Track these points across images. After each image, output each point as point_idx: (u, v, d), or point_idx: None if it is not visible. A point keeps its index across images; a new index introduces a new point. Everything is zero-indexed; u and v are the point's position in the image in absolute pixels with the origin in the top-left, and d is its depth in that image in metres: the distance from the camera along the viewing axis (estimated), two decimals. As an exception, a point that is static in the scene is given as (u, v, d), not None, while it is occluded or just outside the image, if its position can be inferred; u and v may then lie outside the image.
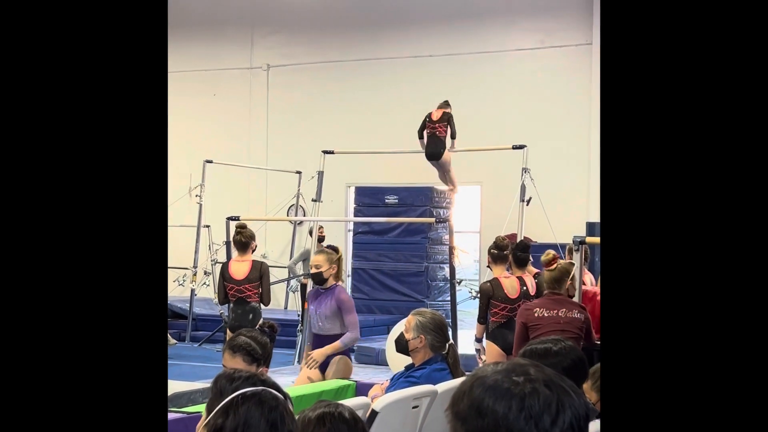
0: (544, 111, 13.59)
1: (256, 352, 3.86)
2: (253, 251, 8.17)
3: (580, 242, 6.63)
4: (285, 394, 2.27)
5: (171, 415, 4.16)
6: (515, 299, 7.03)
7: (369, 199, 13.97)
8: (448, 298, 10.56)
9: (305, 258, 11.47)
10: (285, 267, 12.51)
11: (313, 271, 6.33)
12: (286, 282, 11.88)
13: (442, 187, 12.63)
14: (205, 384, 6.27)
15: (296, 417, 2.37)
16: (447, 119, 10.88)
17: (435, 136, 10.97)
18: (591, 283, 7.79)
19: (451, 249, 9.89)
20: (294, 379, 8.67)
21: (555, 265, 5.98)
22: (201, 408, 2.59)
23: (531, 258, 7.45)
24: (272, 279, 8.55)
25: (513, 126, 13.33)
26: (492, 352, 6.95)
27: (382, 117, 14.47)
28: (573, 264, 6.28)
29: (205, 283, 12.74)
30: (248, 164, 14.60)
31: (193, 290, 12.76)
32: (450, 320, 9.19)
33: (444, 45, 14.31)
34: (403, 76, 14.17)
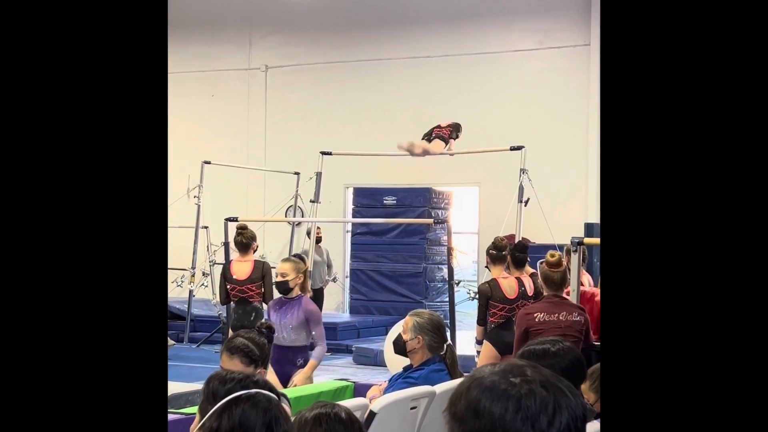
0: (543, 112, 13.60)
1: (253, 354, 3.86)
2: (255, 252, 8.18)
3: (578, 243, 6.62)
4: (279, 395, 2.28)
5: (169, 416, 4.15)
6: (513, 300, 7.03)
7: (367, 200, 13.98)
8: (447, 299, 10.55)
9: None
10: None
11: (279, 279, 6.08)
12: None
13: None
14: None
15: (293, 418, 2.37)
16: (455, 127, 10.80)
17: (437, 133, 10.86)
18: (589, 283, 7.79)
19: (450, 250, 9.88)
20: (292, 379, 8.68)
21: (561, 267, 5.96)
22: (199, 409, 2.59)
23: (528, 258, 7.45)
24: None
25: (511, 127, 13.34)
26: (487, 353, 6.94)
27: (381, 118, 14.47)
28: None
29: (203, 284, 12.73)
30: (246, 165, 14.60)
31: (191, 291, 12.75)
32: (448, 321, 9.19)
33: (442, 46, 14.32)
34: (401, 77, 14.17)
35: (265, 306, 8.09)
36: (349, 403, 4.05)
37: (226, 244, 9.84)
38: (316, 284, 11.33)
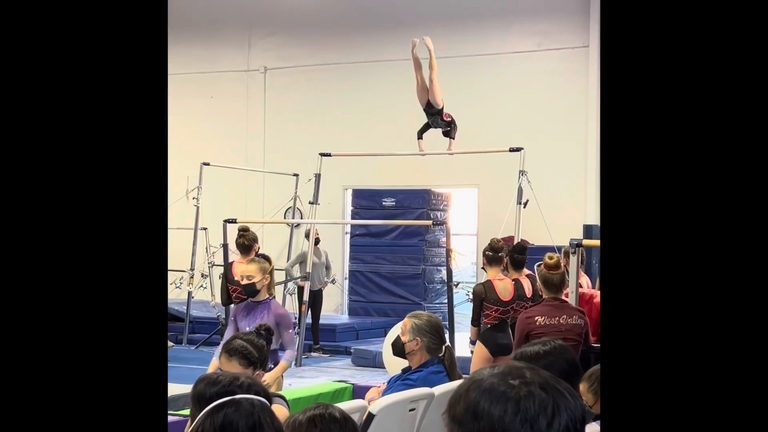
0: (541, 113, 13.60)
1: (252, 356, 3.86)
2: (256, 253, 8.19)
3: (577, 245, 6.62)
4: (270, 398, 2.29)
5: (168, 418, 4.15)
6: (508, 302, 7.04)
7: (366, 201, 13.98)
8: (446, 301, 10.56)
9: (302, 261, 11.47)
10: (282, 269, 12.51)
11: (245, 282, 5.81)
12: (283, 284, 11.87)
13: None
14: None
15: (289, 420, 2.38)
16: (451, 118, 10.74)
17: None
18: (587, 285, 7.79)
19: (448, 251, 9.89)
20: (291, 381, 8.69)
21: (560, 269, 5.96)
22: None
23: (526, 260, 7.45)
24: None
25: (510, 128, 13.35)
26: (480, 354, 6.95)
27: (380, 119, 14.48)
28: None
29: (202, 286, 12.73)
30: (245, 167, 14.61)
31: (190, 293, 12.75)
32: (447, 323, 9.19)
33: (441, 47, 14.27)
34: (400, 78, 14.15)
35: None
36: (347, 404, 4.05)
37: (224, 246, 9.85)
38: (314, 286, 11.33)
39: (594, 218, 12.95)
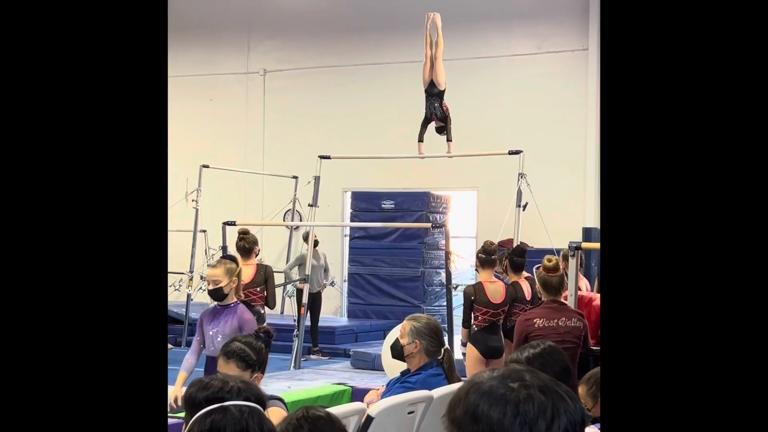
0: (541, 116, 13.61)
1: (250, 358, 3.85)
2: (257, 255, 8.20)
3: (576, 248, 6.62)
4: (264, 402, 2.30)
5: (168, 420, 4.15)
6: (498, 304, 7.05)
7: (365, 204, 13.98)
8: (444, 303, 10.56)
9: (301, 263, 11.47)
10: (281, 272, 12.51)
11: (211, 287, 5.48)
12: (282, 287, 11.87)
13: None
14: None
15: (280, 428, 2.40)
16: (448, 110, 10.66)
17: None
18: (586, 288, 7.79)
19: (448, 254, 9.89)
20: (290, 384, 8.69)
21: (559, 272, 5.96)
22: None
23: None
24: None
25: (509, 131, 13.35)
26: (471, 355, 6.96)
27: (379, 122, 14.48)
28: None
29: (201, 288, 12.72)
30: (245, 169, 14.61)
31: (189, 295, 12.74)
32: (446, 325, 9.19)
33: (441, 50, 14.31)
34: (399, 81, 14.17)
35: (268, 310, 8.11)
36: (346, 407, 4.05)
37: (224, 248, 9.84)
38: (313, 288, 11.32)
39: (593, 221, 12.95)
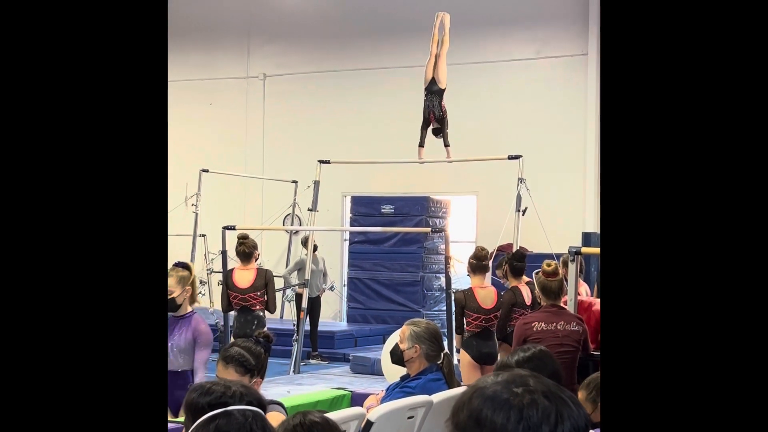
0: (540, 121, 13.62)
1: (249, 363, 3.83)
2: (257, 260, 8.21)
3: (576, 252, 6.62)
4: (264, 406, 2.29)
5: (167, 425, 4.14)
6: (489, 310, 7.05)
7: (365, 208, 13.98)
8: (444, 308, 10.54)
9: (300, 267, 11.46)
10: (280, 276, 12.51)
11: None
12: (282, 291, 11.87)
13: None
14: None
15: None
16: (445, 110, 10.61)
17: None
18: (586, 293, 7.79)
19: (447, 259, 9.88)
20: (290, 388, 8.67)
21: (558, 277, 5.97)
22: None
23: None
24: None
25: (509, 136, 13.36)
26: (464, 361, 6.96)
27: (379, 126, 14.49)
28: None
29: (200, 293, 12.71)
30: (244, 173, 14.61)
31: (188, 299, 12.71)
32: (446, 330, 9.18)
33: (440, 55, 14.33)
34: (399, 85, 14.19)
35: (269, 314, 8.10)
36: (345, 412, 4.05)
37: (223, 253, 9.84)
38: (313, 293, 11.32)
39: (592, 226, 12.95)
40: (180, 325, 5.14)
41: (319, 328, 11.75)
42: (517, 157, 10.07)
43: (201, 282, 12.70)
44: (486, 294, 7.14)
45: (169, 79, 2.25)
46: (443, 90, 9.83)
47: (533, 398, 1.44)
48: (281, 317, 13.61)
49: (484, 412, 1.45)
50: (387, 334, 10.96)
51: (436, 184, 13.91)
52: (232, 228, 9.67)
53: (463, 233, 14.35)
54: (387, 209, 13.75)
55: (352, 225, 14.01)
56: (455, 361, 7.69)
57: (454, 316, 7.28)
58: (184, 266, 5.36)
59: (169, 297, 5.06)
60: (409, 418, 4.14)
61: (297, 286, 11.34)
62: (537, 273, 6.13)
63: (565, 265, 6.97)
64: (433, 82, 9.86)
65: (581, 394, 4.00)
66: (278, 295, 12.33)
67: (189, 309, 5.22)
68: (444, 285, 10.55)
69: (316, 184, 11.15)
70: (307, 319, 11.14)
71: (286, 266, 12.92)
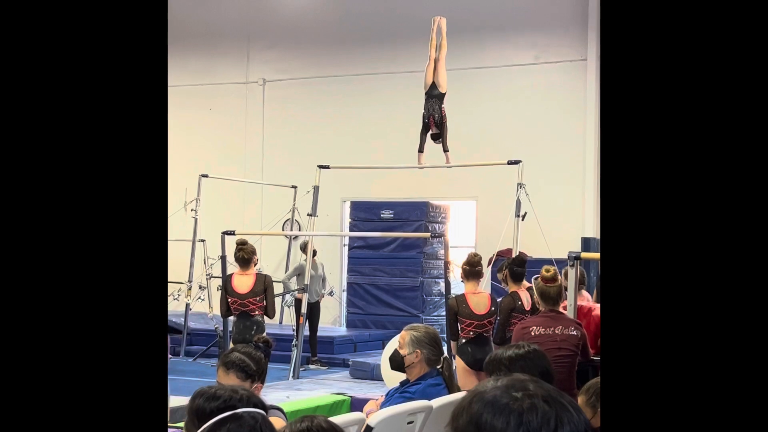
0: (539, 126, 13.63)
1: (249, 369, 3.83)
2: (255, 264, 8.21)
3: (576, 258, 6.62)
4: (267, 410, 2.29)
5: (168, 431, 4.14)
6: (482, 316, 7.05)
7: (364, 213, 13.97)
8: (443, 313, 10.54)
9: (299, 273, 11.46)
10: (279, 282, 12.50)
11: None
12: (281, 297, 11.86)
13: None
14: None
15: None
16: (445, 115, 10.59)
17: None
18: (587, 299, 7.79)
19: (447, 264, 9.88)
20: (289, 394, 8.67)
21: (557, 282, 5.97)
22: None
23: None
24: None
25: (508, 141, 13.37)
26: (459, 367, 6.96)
27: (378, 132, 14.49)
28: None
29: (200, 298, 12.71)
30: (244, 179, 14.61)
31: (187, 305, 12.73)
32: (445, 335, 9.18)
33: (440, 60, 14.34)
34: (398, 91, 14.20)
35: (268, 319, 8.10)
36: (345, 417, 4.04)
37: (223, 258, 9.84)
38: (312, 298, 11.32)
39: (592, 231, 12.95)
40: None
41: (319, 334, 11.74)
42: (516, 163, 10.08)
43: (200, 287, 12.70)
44: (479, 300, 7.15)
45: (169, 84, 2.25)
46: (444, 94, 9.83)
47: (533, 403, 1.44)
48: (280, 322, 13.60)
49: (484, 416, 1.45)
50: (386, 339, 10.95)
51: (436, 190, 13.92)
52: (232, 233, 9.67)
53: (463, 238, 14.35)
54: (386, 214, 13.75)
55: (351, 230, 14.01)
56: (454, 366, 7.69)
57: (447, 323, 7.28)
58: None
59: None
60: (408, 423, 4.13)
61: (296, 292, 11.34)
62: (536, 278, 6.14)
63: (567, 277, 6.96)
64: (433, 86, 9.87)
65: (581, 399, 4.00)
66: (278, 301, 12.36)
67: None
68: (443, 290, 10.55)
69: (316, 189, 11.15)
70: (307, 324, 11.14)
71: (286, 271, 12.92)
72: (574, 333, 5.79)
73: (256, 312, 7.99)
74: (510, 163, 10.22)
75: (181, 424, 4.54)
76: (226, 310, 8.20)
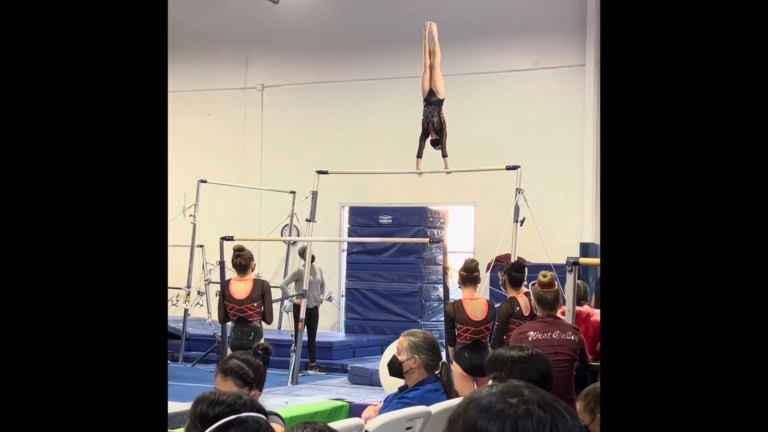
0: (538, 132, 13.65)
1: (248, 376, 3.82)
2: (253, 270, 8.21)
3: (574, 263, 6.62)
4: (267, 416, 2.29)
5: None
6: (480, 322, 7.05)
7: (363, 219, 13.98)
8: (442, 319, 10.54)
9: (298, 278, 11.46)
10: (277, 287, 12.50)
11: None
12: (279, 302, 11.86)
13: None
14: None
15: None
16: (444, 122, 10.60)
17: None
18: (586, 305, 7.78)
19: (445, 269, 9.88)
20: (288, 399, 8.66)
21: (554, 287, 5.98)
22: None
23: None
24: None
25: (507, 146, 13.38)
26: (456, 373, 6.95)
27: (377, 137, 14.50)
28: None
29: (198, 303, 12.70)
30: (242, 184, 14.61)
31: (186, 310, 12.72)
32: (443, 341, 9.18)
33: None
34: (397, 96, 14.22)
35: (265, 324, 8.10)
36: (344, 423, 4.04)
37: (221, 263, 9.84)
38: (310, 303, 11.31)
39: (590, 236, 12.96)
40: None
41: (317, 339, 11.74)
42: (515, 168, 10.09)
43: (199, 293, 12.70)
44: (476, 306, 7.15)
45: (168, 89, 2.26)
46: (442, 100, 9.84)
47: (528, 408, 1.45)
48: (279, 328, 13.60)
49: (480, 422, 1.45)
50: (385, 345, 10.95)
51: (434, 195, 13.92)
52: (230, 238, 9.67)
53: (461, 244, 14.35)
54: (385, 220, 13.76)
55: (350, 235, 14.01)
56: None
57: (445, 329, 7.28)
58: None
59: None
60: (407, 429, 4.13)
61: (294, 297, 11.34)
62: (533, 284, 6.14)
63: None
64: (431, 93, 9.88)
65: (579, 405, 4.00)
66: (276, 306, 12.36)
67: None
68: (442, 295, 10.54)
69: (314, 194, 11.16)
70: (305, 329, 11.13)
71: (284, 277, 12.92)
72: (572, 338, 5.79)
73: (254, 318, 7.98)
74: (508, 168, 10.23)
75: (180, 430, 4.53)
76: (224, 316, 8.20)
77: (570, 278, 6.53)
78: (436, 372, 4.52)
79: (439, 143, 9.83)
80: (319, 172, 11.27)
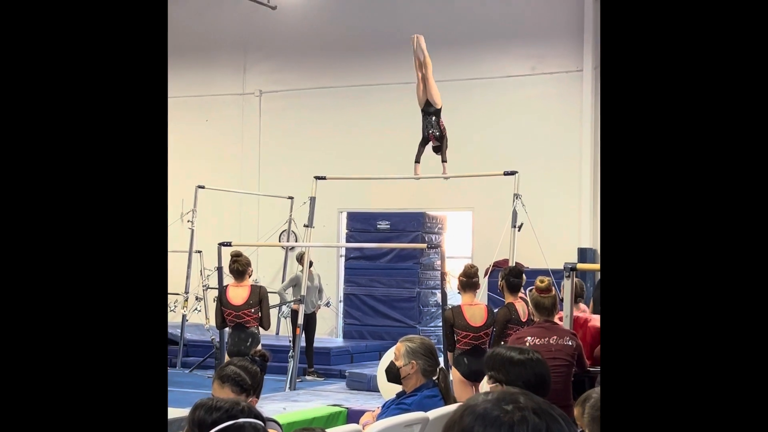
0: (535, 137, 13.66)
1: (245, 382, 3.81)
2: (250, 276, 8.21)
3: (572, 268, 6.63)
4: (265, 422, 2.29)
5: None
6: (479, 327, 7.05)
7: (361, 224, 13.98)
8: (440, 324, 10.54)
9: (296, 284, 11.46)
10: (275, 293, 12.50)
11: None
12: (277, 308, 11.86)
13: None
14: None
15: None
16: (444, 129, 10.62)
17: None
18: (584, 310, 7.79)
19: (443, 275, 9.89)
20: (285, 405, 8.66)
21: (551, 293, 5.99)
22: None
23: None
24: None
25: (505, 152, 13.39)
26: (454, 378, 6.96)
27: (374, 142, 14.51)
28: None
29: (196, 309, 12.70)
30: (240, 190, 14.62)
31: (184, 316, 12.71)
32: (441, 346, 9.18)
33: (436, 71, 14.31)
34: (395, 102, 14.23)
35: (263, 330, 8.10)
36: (341, 429, 4.04)
37: (219, 269, 9.85)
38: (308, 309, 11.31)
39: (588, 241, 12.97)
40: None
41: (315, 345, 11.74)
42: (512, 173, 10.10)
43: (197, 298, 12.70)
44: (475, 312, 7.15)
45: (166, 96, 2.27)
46: (439, 109, 9.87)
47: (523, 415, 1.46)
48: (277, 334, 13.59)
49: (476, 429, 1.46)
50: (383, 350, 10.95)
51: (432, 200, 13.93)
52: (228, 244, 9.67)
53: (459, 249, 14.36)
54: (383, 225, 13.76)
55: (348, 241, 14.01)
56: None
57: (443, 334, 7.28)
58: None
59: None
60: (405, 434, 4.13)
61: (292, 303, 11.34)
62: (530, 290, 6.15)
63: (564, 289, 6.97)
64: (428, 104, 9.91)
65: (577, 411, 4.00)
66: (274, 312, 12.35)
67: None
68: (440, 301, 10.55)
69: (312, 200, 11.16)
70: (303, 335, 11.13)
71: (282, 282, 12.92)
72: (570, 343, 5.80)
73: (251, 324, 7.98)
74: (506, 173, 10.24)
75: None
76: (221, 322, 8.19)
77: (567, 283, 6.54)
78: (434, 378, 4.52)
79: (440, 149, 9.88)
80: (317, 178, 11.28)
